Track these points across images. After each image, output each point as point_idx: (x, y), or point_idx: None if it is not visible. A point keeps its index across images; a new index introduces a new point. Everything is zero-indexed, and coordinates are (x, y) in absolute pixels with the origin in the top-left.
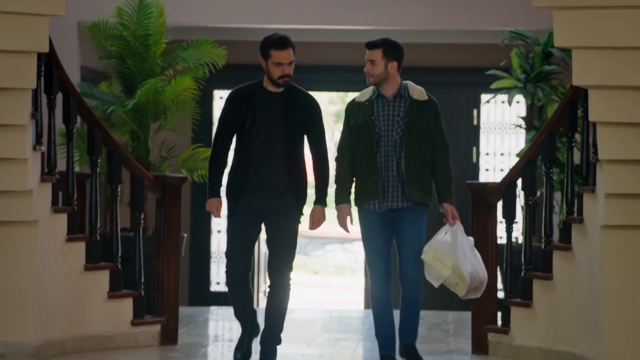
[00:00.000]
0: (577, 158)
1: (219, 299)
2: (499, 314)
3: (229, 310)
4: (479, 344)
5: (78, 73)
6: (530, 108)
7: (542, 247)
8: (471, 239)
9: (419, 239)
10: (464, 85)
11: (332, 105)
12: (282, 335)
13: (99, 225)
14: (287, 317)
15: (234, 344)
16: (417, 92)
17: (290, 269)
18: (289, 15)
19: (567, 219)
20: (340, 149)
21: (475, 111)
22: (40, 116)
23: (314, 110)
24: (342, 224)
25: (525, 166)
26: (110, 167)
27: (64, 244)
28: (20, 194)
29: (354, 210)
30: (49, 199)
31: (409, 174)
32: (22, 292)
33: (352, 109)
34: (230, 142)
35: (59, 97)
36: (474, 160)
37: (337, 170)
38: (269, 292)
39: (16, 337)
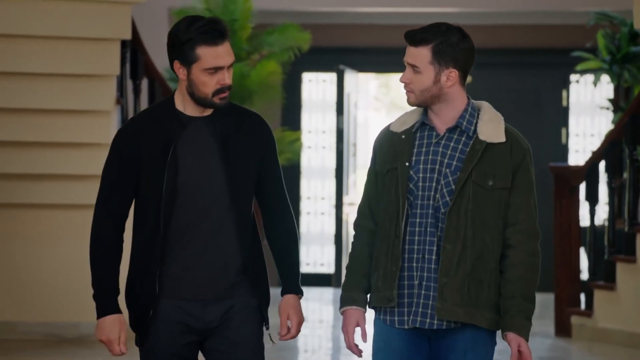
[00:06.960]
0: None
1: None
2: (582, 296)
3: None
4: (562, 327)
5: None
6: (616, 89)
7: (626, 230)
8: None
9: None
10: (553, 66)
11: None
12: None
13: None
14: None
15: (324, 324)
16: (491, 126)
17: None
18: None
19: None
20: (360, 210)
21: (564, 92)
22: (125, 101)
23: (267, 139)
24: (348, 339)
25: (609, 148)
26: None
27: None
28: None
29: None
30: None
31: (447, 271)
32: None
33: (382, 143)
34: (126, 214)
35: (144, 83)
36: (564, 141)
37: (352, 246)
38: None
39: (89, 317)
